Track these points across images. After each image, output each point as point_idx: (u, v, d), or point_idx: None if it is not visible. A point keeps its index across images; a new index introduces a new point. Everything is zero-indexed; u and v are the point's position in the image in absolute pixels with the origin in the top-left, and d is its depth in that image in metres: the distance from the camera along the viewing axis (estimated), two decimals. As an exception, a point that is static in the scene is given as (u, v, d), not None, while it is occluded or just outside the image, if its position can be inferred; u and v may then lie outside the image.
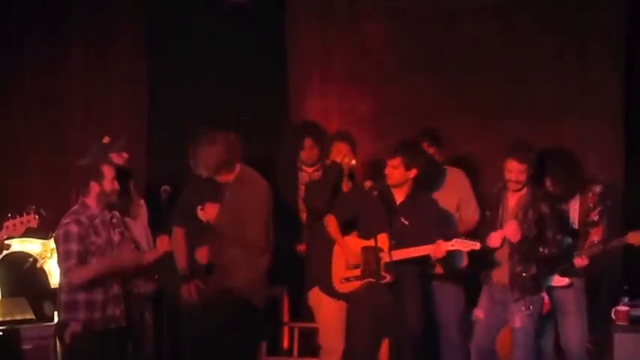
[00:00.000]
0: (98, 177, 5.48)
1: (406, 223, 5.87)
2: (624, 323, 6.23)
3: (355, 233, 6.05)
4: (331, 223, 6.05)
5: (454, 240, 5.75)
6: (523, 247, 5.91)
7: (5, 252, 6.15)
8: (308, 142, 6.86)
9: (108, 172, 5.51)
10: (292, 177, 6.94)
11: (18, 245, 6.39)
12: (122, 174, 5.81)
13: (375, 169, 6.42)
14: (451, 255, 5.90)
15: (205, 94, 7.36)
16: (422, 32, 7.58)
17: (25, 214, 5.31)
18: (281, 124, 7.62)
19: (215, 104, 7.30)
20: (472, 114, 7.50)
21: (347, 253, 6.01)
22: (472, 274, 6.26)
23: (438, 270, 6.26)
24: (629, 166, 7.42)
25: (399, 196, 5.96)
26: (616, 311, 6.27)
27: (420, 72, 7.54)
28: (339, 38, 7.63)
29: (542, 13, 7.51)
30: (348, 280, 6.01)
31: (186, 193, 6.15)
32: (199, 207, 5.99)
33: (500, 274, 6.00)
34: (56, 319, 5.65)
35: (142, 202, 6.34)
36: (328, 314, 6.20)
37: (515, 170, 5.91)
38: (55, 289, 5.87)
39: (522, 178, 5.92)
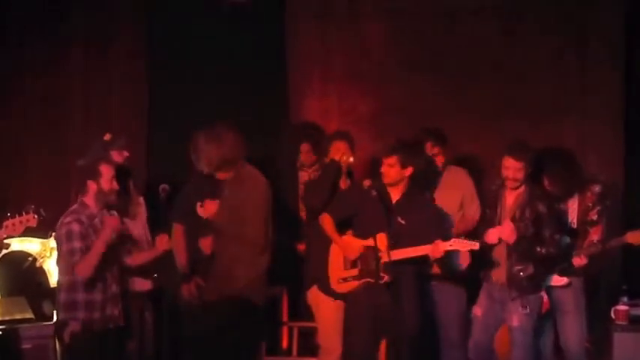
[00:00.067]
0: (95, 176, 5.50)
1: (402, 222, 5.87)
2: (623, 323, 6.24)
3: (350, 232, 6.04)
4: (327, 221, 6.05)
5: (452, 240, 5.75)
6: (520, 246, 5.91)
7: (4, 251, 6.12)
8: (304, 146, 6.89)
9: (106, 171, 5.53)
10: (292, 176, 6.95)
11: (17, 244, 6.37)
12: (122, 173, 5.82)
13: (374, 169, 6.42)
14: (449, 255, 5.90)
15: (205, 94, 7.36)
16: (422, 32, 7.59)
17: (24, 214, 5.33)
18: (281, 124, 7.62)
19: (215, 104, 7.29)
20: (472, 114, 7.50)
21: (345, 250, 6.00)
22: (471, 274, 6.26)
23: (436, 270, 6.25)
24: (629, 166, 7.42)
25: (395, 195, 5.96)
26: (615, 311, 6.29)
27: (420, 72, 7.54)
28: (339, 38, 7.64)
29: (542, 13, 7.52)
30: (345, 280, 6.00)
31: (186, 190, 6.13)
32: (199, 204, 5.99)
33: (499, 273, 6.00)
34: (55, 319, 5.67)
35: (142, 200, 6.34)
36: (327, 313, 6.19)
37: (512, 168, 5.91)
38: (54, 288, 5.87)
39: (519, 175, 5.93)
